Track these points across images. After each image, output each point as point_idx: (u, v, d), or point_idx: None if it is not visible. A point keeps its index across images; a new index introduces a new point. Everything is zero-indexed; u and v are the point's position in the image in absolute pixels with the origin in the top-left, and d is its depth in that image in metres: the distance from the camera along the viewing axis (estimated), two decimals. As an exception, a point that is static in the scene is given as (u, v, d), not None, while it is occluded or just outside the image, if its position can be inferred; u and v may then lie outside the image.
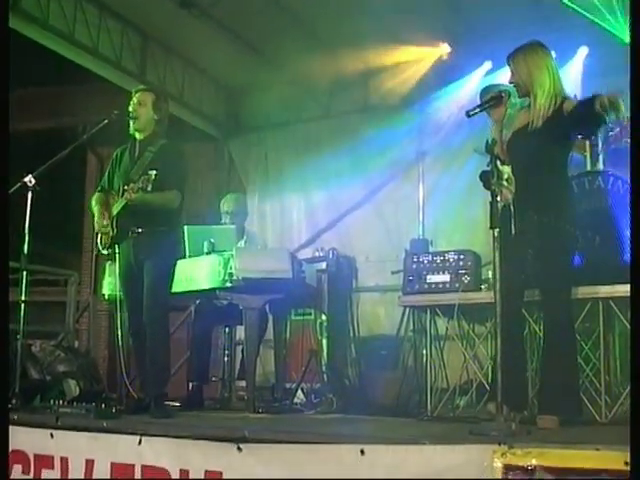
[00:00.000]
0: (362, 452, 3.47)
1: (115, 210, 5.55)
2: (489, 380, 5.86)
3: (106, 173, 5.93)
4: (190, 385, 6.83)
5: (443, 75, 8.73)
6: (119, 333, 5.76)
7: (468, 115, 4.77)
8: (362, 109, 9.69)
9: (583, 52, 7.98)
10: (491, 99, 4.82)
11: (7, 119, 4.74)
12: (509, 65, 5.09)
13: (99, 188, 5.91)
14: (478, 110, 4.76)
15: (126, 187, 5.39)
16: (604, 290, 5.09)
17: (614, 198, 5.56)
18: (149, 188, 5.21)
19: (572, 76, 7.92)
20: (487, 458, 3.24)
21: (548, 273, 4.76)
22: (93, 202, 5.84)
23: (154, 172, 5.23)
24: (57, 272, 11.41)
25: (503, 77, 8.15)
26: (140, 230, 5.50)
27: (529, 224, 4.65)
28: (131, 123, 5.69)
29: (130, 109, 5.69)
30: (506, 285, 4.25)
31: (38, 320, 7.68)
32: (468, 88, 8.35)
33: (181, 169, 5.71)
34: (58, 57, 8.46)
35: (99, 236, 5.74)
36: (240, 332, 7.18)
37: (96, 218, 5.75)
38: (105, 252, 5.71)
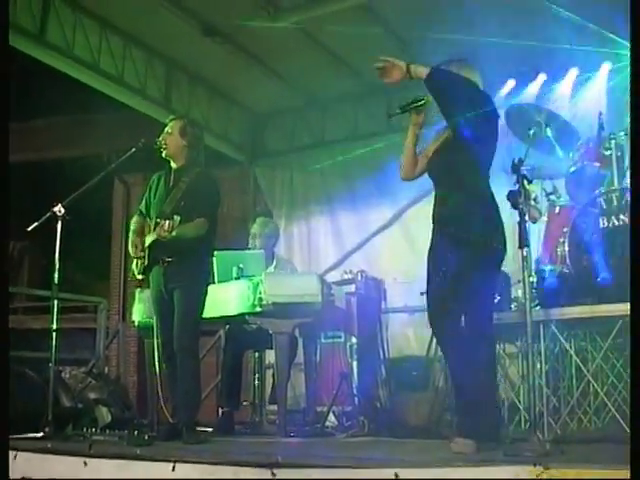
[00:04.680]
0: (396, 475, 3.45)
1: (147, 241, 5.58)
2: (521, 400, 5.86)
3: (144, 198, 5.95)
4: (220, 411, 6.84)
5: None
6: (153, 359, 5.79)
7: (389, 116, 4.80)
8: (387, 130, 9.71)
9: (606, 68, 7.95)
10: (414, 101, 4.78)
11: (7, 119, 4.76)
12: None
13: (138, 212, 5.94)
14: (399, 112, 4.82)
15: (158, 220, 5.42)
16: (635, 307, 5.05)
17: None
18: (174, 233, 5.24)
19: (596, 92, 7.93)
20: (523, 479, 3.22)
21: (469, 292, 4.55)
22: (131, 226, 5.90)
23: (178, 218, 5.28)
24: (86, 299, 11.47)
25: (527, 95, 8.24)
26: (170, 259, 5.53)
27: (448, 241, 4.54)
28: (162, 152, 5.72)
29: (159, 138, 5.73)
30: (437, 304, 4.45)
31: (67, 347, 7.73)
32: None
33: (212, 198, 5.71)
34: (84, 86, 8.56)
35: (135, 261, 5.78)
36: (270, 356, 7.19)
37: (132, 254, 5.80)
38: (140, 277, 5.74)
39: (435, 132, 4.99)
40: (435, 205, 4.72)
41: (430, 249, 4.66)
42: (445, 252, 4.51)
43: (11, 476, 4.44)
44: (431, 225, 4.67)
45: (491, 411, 4.53)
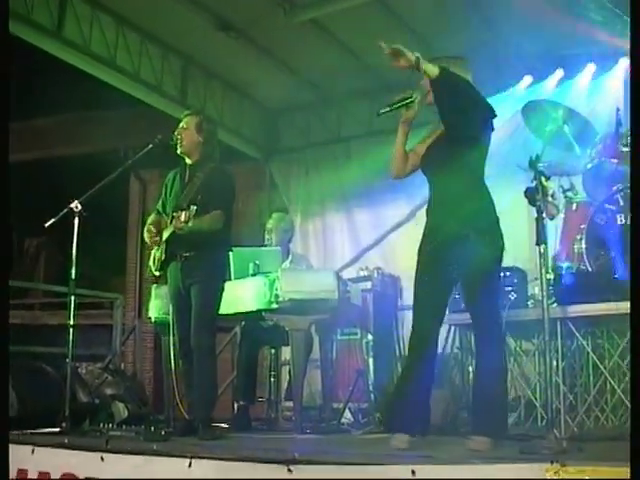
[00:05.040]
0: (413, 472, 3.44)
1: (165, 236, 5.59)
2: (537, 397, 5.84)
3: (160, 198, 5.96)
4: (236, 406, 6.84)
5: (483, 89, 8.67)
6: (170, 355, 5.79)
7: (378, 114, 4.80)
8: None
9: (624, 63, 7.88)
10: (402, 99, 4.78)
11: (7, 118, 4.78)
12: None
13: (156, 210, 5.95)
14: (388, 110, 4.79)
15: (175, 214, 5.42)
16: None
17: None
18: (190, 223, 5.23)
19: (613, 88, 7.88)
20: (539, 477, 3.21)
21: (474, 290, 4.55)
22: (147, 223, 5.90)
23: (195, 207, 5.25)
24: (103, 295, 11.50)
25: (544, 91, 8.20)
26: (187, 254, 5.53)
27: (449, 237, 4.50)
28: (178, 148, 5.72)
29: (174, 134, 5.73)
30: (426, 302, 4.50)
31: (83, 343, 7.77)
32: (509, 103, 8.28)
33: (228, 192, 5.70)
34: (100, 82, 8.58)
35: (151, 258, 5.78)
36: (286, 352, 7.19)
37: (147, 240, 5.80)
38: (157, 273, 5.75)
39: (426, 129, 4.98)
40: (429, 201, 4.69)
41: (422, 244, 4.65)
42: (439, 247, 4.49)
43: (29, 470, 4.48)
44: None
45: (503, 409, 4.54)
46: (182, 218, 5.21)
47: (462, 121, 4.51)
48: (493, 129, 4.66)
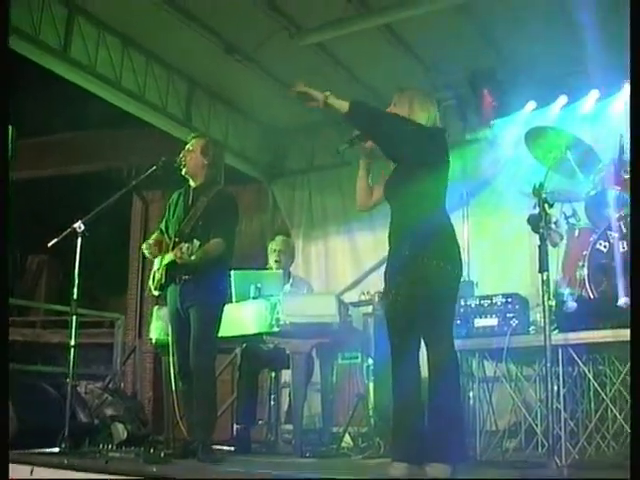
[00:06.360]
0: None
1: (165, 260, 5.57)
2: (538, 424, 5.81)
3: (164, 216, 5.94)
4: (236, 428, 6.82)
5: (485, 116, 8.70)
6: (170, 376, 5.77)
7: (338, 152, 4.80)
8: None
9: (628, 89, 7.89)
10: (360, 134, 4.77)
11: (7, 122, 4.80)
12: (395, 95, 4.86)
13: (159, 230, 5.92)
14: (347, 146, 4.80)
15: (177, 239, 5.42)
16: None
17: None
18: (193, 257, 5.20)
19: (617, 114, 7.89)
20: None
21: (431, 317, 4.46)
22: (151, 242, 5.85)
23: (198, 243, 5.21)
24: (103, 315, 11.50)
25: (548, 117, 8.21)
26: (186, 277, 5.51)
27: (410, 265, 4.47)
28: (182, 169, 5.72)
29: (180, 156, 5.74)
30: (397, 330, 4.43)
31: (82, 362, 7.79)
32: (513, 128, 8.30)
33: (230, 217, 5.70)
34: (105, 103, 8.61)
35: (152, 277, 5.78)
36: (286, 375, 7.17)
37: (145, 252, 5.79)
38: (156, 293, 5.74)
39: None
40: (390, 227, 4.71)
41: (385, 270, 4.66)
42: (398, 274, 4.51)
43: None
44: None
45: (460, 435, 4.51)
46: (184, 250, 5.19)
47: (397, 150, 4.60)
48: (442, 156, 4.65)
